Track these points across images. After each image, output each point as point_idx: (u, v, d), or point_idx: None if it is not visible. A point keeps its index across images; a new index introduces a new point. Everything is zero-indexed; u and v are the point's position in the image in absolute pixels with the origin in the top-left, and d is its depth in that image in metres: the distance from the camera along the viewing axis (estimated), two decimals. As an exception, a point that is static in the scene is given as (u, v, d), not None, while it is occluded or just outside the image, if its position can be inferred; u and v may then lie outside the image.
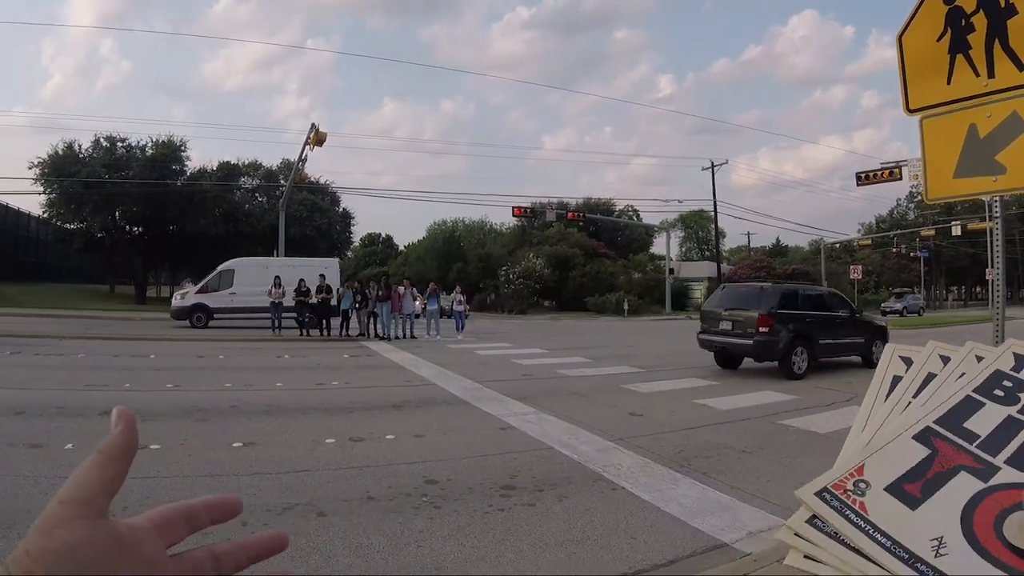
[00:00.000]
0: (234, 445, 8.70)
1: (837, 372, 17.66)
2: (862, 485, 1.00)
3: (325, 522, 6.02)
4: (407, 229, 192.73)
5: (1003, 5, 4.31)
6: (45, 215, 53.62)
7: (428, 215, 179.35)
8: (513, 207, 53.82)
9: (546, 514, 6.46)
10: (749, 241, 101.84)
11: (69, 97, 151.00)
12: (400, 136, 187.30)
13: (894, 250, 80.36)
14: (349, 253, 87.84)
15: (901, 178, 41.01)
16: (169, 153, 52.91)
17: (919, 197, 77.96)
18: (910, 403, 1.11)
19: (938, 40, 4.63)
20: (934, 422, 1.05)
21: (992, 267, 5.01)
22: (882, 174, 41.86)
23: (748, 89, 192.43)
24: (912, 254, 79.34)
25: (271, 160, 66.92)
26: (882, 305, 48.59)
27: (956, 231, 62.11)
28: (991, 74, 4.40)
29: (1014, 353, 1.13)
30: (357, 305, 27.28)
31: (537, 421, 10.53)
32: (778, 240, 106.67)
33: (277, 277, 29.90)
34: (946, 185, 4.70)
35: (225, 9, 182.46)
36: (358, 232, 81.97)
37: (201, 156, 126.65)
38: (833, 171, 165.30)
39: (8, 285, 41.90)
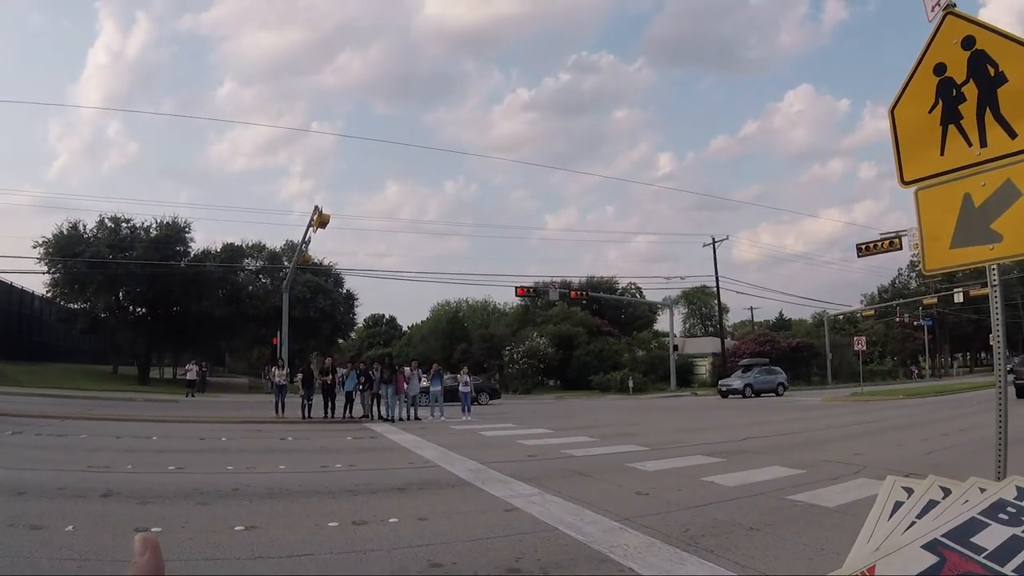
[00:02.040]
0: (236, 528, 8.60)
1: (842, 444, 17.52)
2: None
3: (328, 607, 5.93)
4: (411, 310, 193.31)
5: (993, 74, 4.38)
6: (49, 294, 53.97)
7: (432, 296, 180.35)
8: (516, 287, 54.12)
9: None
10: (752, 316, 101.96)
11: (75, 177, 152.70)
12: (403, 217, 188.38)
13: (897, 319, 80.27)
14: (353, 334, 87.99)
15: (901, 248, 41.39)
16: (173, 234, 53.36)
17: (920, 266, 78.17)
18: (914, 523, 1.13)
19: (930, 112, 4.70)
20: (942, 535, 1.07)
21: (993, 333, 5.00)
22: (882, 244, 42.16)
23: (747, 165, 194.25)
24: (916, 323, 79.27)
25: (275, 242, 67.63)
26: (719, 383, 48.06)
27: (959, 298, 62.38)
28: (983, 143, 4.46)
29: (1017, 486, 1.15)
30: (361, 387, 27.19)
31: (542, 502, 10.41)
32: (781, 314, 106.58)
33: (281, 359, 29.89)
34: (943, 255, 4.73)
35: (230, 92, 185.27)
36: (362, 313, 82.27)
37: (205, 237, 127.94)
38: (834, 243, 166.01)
39: (11, 364, 41.84)
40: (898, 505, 1.19)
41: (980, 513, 1.10)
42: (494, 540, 8.29)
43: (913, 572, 1.01)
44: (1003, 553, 1.00)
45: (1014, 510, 1.08)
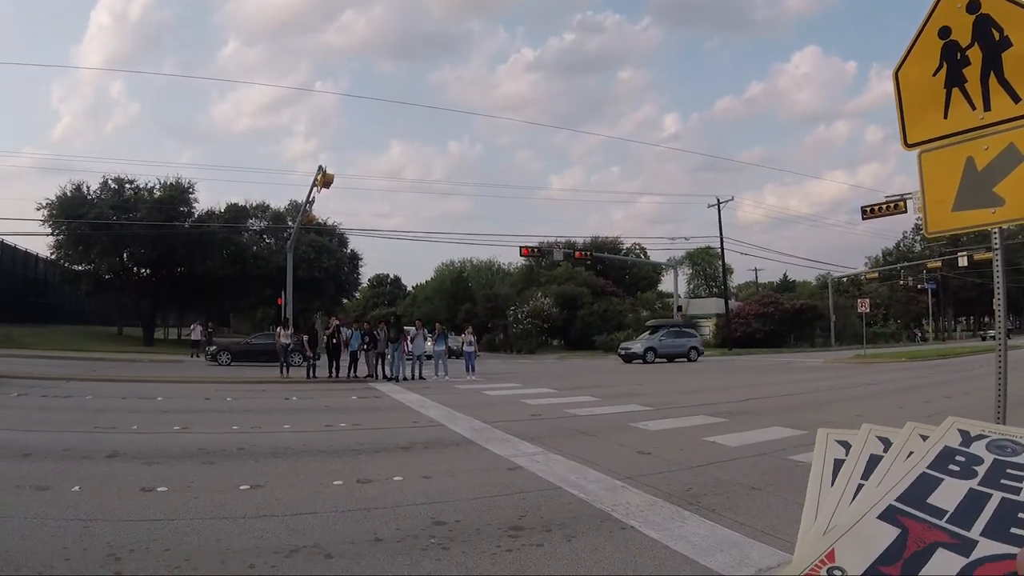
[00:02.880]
0: (241, 487, 8.65)
1: (844, 405, 17.57)
2: (836, 572, 0.90)
3: (332, 564, 5.97)
4: (415, 270, 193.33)
5: (998, 38, 4.33)
6: (53, 256, 53.91)
7: (436, 256, 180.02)
8: (520, 247, 53.94)
9: (554, 554, 6.39)
10: (757, 277, 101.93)
11: (78, 139, 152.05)
12: (408, 177, 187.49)
13: (901, 283, 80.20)
14: (357, 294, 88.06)
15: (906, 211, 41.05)
16: (177, 195, 53.18)
17: (923, 229, 77.72)
18: (860, 485, 1.03)
19: (934, 75, 4.65)
20: (896, 500, 0.97)
21: (995, 296, 5.00)
22: (887, 207, 41.89)
23: (752, 126, 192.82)
24: (920, 286, 79.18)
25: (279, 202, 67.61)
26: (620, 346, 47.71)
27: (963, 262, 62.17)
28: (987, 107, 4.42)
29: (959, 430, 1.07)
30: (365, 347, 27.25)
31: (545, 461, 10.45)
32: (785, 275, 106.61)
33: (286, 319, 29.93)
34: (946, 218, 4.71)
35: (234, 52, 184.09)
36: (366, 273, 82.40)
37: (209, 198, 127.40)
38: (839, 205, 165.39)
39: (16, 326, 41.97)
40: (838, 465, 1.10)
41: (929, 467, 1.02)
42: (497, 498, 8.33)
43: (876, 552, 0.90)
44: (965, 513, 0.92)
45: (963, 459, 1.01)
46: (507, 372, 32.55)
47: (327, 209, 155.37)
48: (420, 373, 27.63)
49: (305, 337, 28.34)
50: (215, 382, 24.44)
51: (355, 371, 27.54)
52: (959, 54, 4.50)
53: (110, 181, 52.73)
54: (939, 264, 68.38)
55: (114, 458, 10.40)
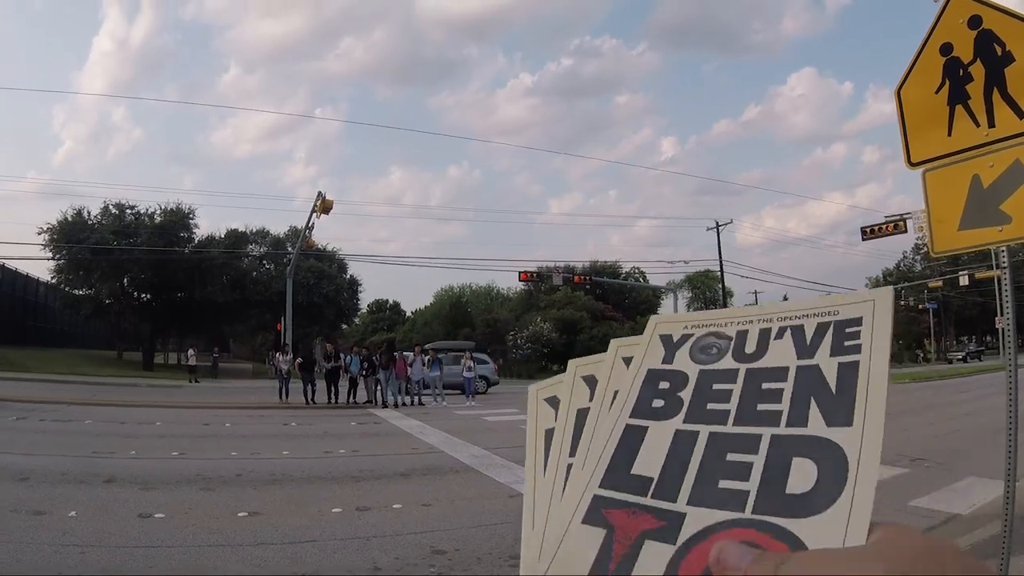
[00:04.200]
0: (239, 514, 8.61)
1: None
2: None
3: (331, 593, 5.92)
4: (414, 295, 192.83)
5: (1000, 53, 4.33)
6: (53, 281, 53.92)
7: (435, 281, 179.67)
8: (519, 272, 53.92)
9: None
10: (756, 300, 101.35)
11: (80, 164, 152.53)
12: (407, 203, 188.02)
13: (902, 303, 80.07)
14: (357, 320, 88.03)
15: (906, 231, 41.06)
16: (177, 220, 53.25)
17: (925, 249, 77.91)
18: (569, 466, 0.85)
19: (937, 92, 4.65)
20: (599, 487, 0.80)
21: (1001, 315, 4.98)
22: (887, 227, 41.88)
23: (750, 148, 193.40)
24: (921, 306, 79.08)
25: (279, 227, 67.53)
26: None
27: (964, 281, 62.05)
28: (991, 123, 4.41)
29: (660, 336, 0.90)
30: (364, 372, 27.19)
31: (546, 488, 10.39)
32: (785, 297, 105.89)
33: (286, 344, 29.92)
34: (951, 237, 4.69)
35: (234, 79, 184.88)
36: (365, 299, 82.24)
37: (209, 224, 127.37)
38: (838, 226, 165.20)
39: (15, 350, 41.91)
40: (549, 436, 0.91)
41: (633, 414, 0.84)
42: (497, 526, 8.29)
43: (585, 571, 0.74)
44: (672, 475, 0.76)
45: (667, 384, 0.84)
46: (507, 398, 32.45)
47: (327, 235, 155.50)
48: (419, 399, 27.55)
49: (299, 360, 28.26)
50: (214, 407, 24.36)
51: (355, 397, 27.45)
52: (961, 70, 4.49)
53: (111, 206, 52.83)
54: (940, 284, 68.35)
55: (112, 483, 10.35)
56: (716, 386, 0.80)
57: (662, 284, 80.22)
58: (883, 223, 42.51)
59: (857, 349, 0.76)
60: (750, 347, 0.82)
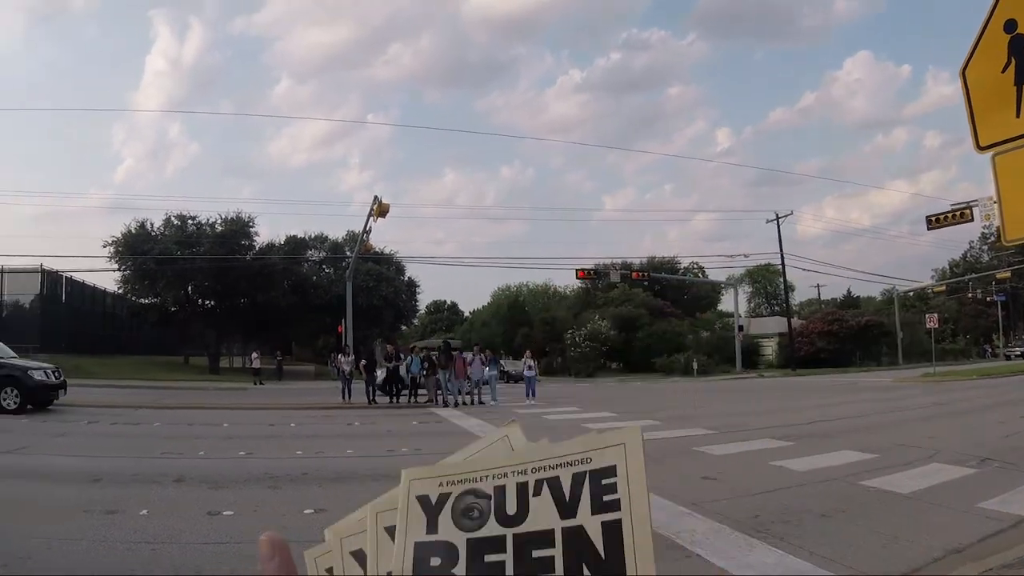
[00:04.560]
0: (306, 511, 8.70)
1: (915, 427, 17.20)
2: None
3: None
4: (472, 295, 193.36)
5: (1066, 28, 4.19)
6: (120, 291, 55.40)
7: (492, 281, 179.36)
8: (576, 270, 53.87)
9: None
10: (819, 293, 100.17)
11: (140, 179, 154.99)
12: (461, 203, 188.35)
13: (970, 295, 78.19)
14: (415, 321, 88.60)
15: (972, 219, 39.77)
16: (238, 229, 54.11)
17: (992, 238, 75.79)
18: None
19: (1003, 71, 4.47)
20: None
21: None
22: (952, 216, 40.68)
23: (808, 137, 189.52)
24: (989, 298, 77.11)
25: (336, 232, 67.99)
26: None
27: (1034, 270, 60.41)
28: (1061, 102, 4.26)
29: (417, 499, 0.82)
30: (425, 372, 27.33)
31: (608, 484, 10.33)
32: (849, 291, 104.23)
33: (347, 346, 30.16)
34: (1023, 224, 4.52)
35: (286, 90, 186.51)
36: (423, 300, 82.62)
37: (269, 231, 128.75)
38: (901, 216, 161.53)
39: (86, 358, 42.72)
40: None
41: None
42: (561, 522, 8.26)
43: None
44: None
45: (438, 560, 0.77)
46: (566, 396, 32.39)
47: (384, 238, 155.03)
48: (480, 398, 27.62)
49: (363, 362, 28.55)
50: (280, 408, 24.68)
51: (415, 397, 27.61)
52: (1027, 48, 4.34)
53: (173, 218, 54.01)
54: (1008, 275, 66.63)
55: (181, 483, 10.53)
56: (488, 558, 0.76)
57: (721, 279, 79.47)
58: (948, 211, 41.35)
59: (616, 505, 0.76)
60: (511, 506, 0.79)
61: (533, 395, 28.86)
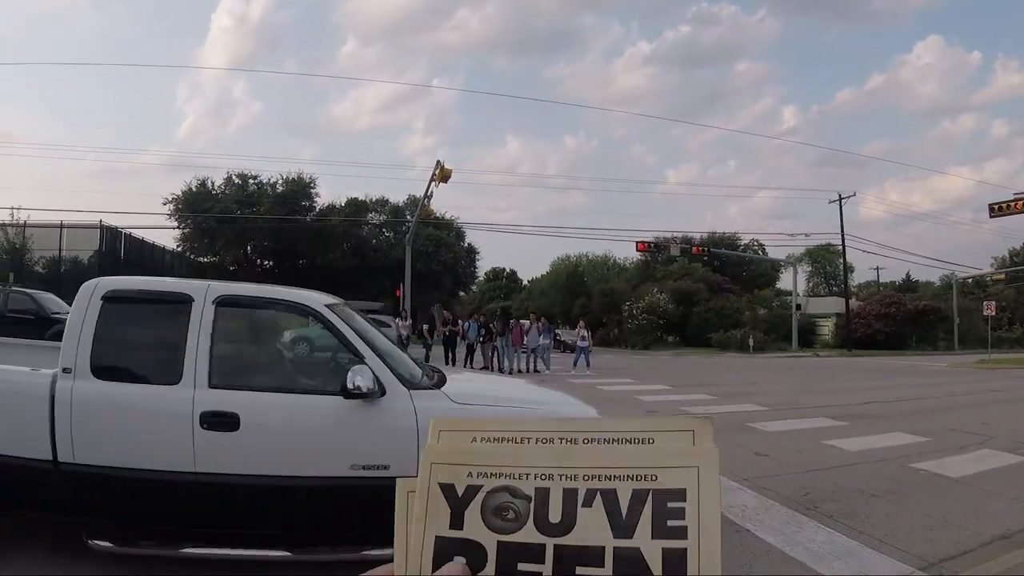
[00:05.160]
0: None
1: (968, 412, 17.04)
2: None
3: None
4: (531, 264, 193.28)
5: None
6: (179, 249, 56.20)
7: (552, 250, 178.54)
8: (636, 242, 53.72)
9: None
10: (878, 276, 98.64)
11: (202, 137, 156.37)
12: (523, 172, 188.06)
13: (1029, 287, 76.48)
14: (474, 287, 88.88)
15: (1035, 208, 39.14)
16: (299, 189, 54.57)
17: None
18: None
19: None
20: None
21: None
22: (1016, 204, 39.93)
23: (874, 119, 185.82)
24: (1049, 290, 75.37)
25: (398, 196, 68.01)
26: None
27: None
28: None
29: (440, 487, 0.75)
30: (482, 339, 27.55)
31: (661, 458, 10.44)
32: (908, 275, 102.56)
33: (404, 310, 30.52)
34: None
35: (353, 51, 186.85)
36: (483, 267, 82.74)
37: (330, 193, 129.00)
38: (964, 203, 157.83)
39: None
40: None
41: None
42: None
43: None
44: None
45: (464, 561, 0.72)
46: (621, 368, 32.46)
47: (445, 203, 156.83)
48: (535, 366, 27.78)
49: (425, 326, 28.91)
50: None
51: (471, 363, 27.85)
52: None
53: (234, 176, 54.61)
54: (1071, 265, 65.20)
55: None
56: (523, 567, 0.70)
57: (781, 257, 78.55)
58: (1012, 200, 40.52)
59: (683, 533, 0.69)
60: (554, 514, 0.71)
61: (588, 365, 28.91)
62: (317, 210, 56.31)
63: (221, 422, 5.24)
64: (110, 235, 49.37)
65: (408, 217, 54.13)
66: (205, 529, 5.45)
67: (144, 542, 5.38)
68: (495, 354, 27.36)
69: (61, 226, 47.29)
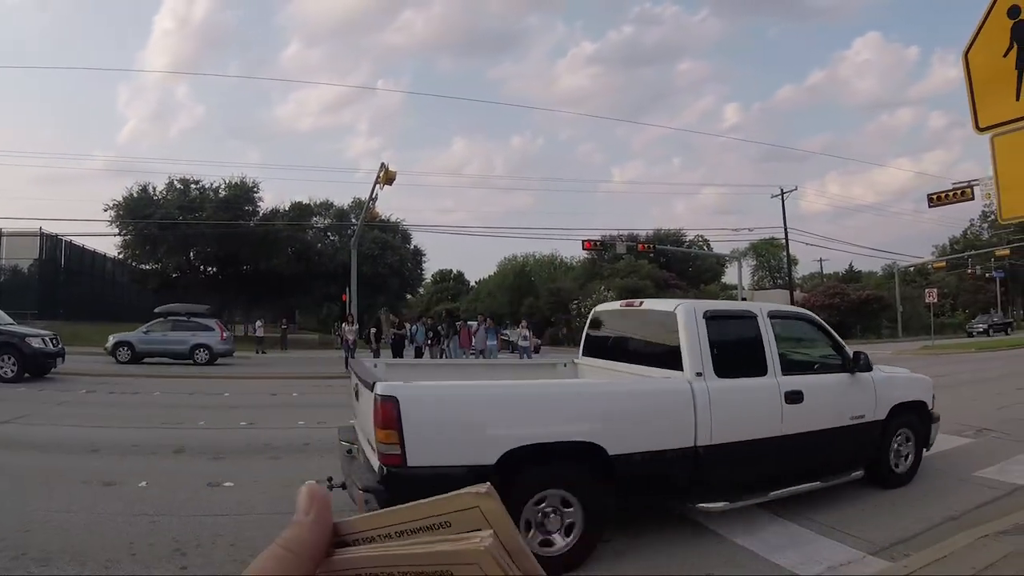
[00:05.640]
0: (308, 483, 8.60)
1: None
2: None
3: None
4: (478, 265, 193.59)
5: (1067, 18, 4.22)
6: (121, 256, 54.93)
7: (499, 251, 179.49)
8: (583, 240, 53.68)
9: (625, 552, 6.40)
10: (822, 268, 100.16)
11: (144, 141, 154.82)
12: (470, 173, 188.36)
13: (969, 272, 78.15)
14: (421, 290, 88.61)
15: (973, 198, 39.88)
16: (242, 194, 53.77)
17: (992, 216, 75.79)
18: None
19: (1004, 56, 4.59)
20: None
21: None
22: (953, 194, 40.75)
23: (814, 115, 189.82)
24: (988, 275, 77.13)
25: (342, 199, 67.56)
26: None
27: (1032, 249, 60.55)
28: (1059, 88, 4.30)
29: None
30: (430, 341, 27.29)
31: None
32: (851, 266, 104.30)
33: (351, 315, 30.12)
34: (1020, 203, 4.65)
35: (296, 53, 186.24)
36: (429, 269, 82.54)
37: (273, 197, 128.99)
38: (904, 194, 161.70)
39: (85, 324, 42.62)
40: None
41: None
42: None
43: None
44: None
45: None
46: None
47: (390, 206, 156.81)
48: (484, 368, 27.55)
49: (373, 330, 28.59)
50: (282, 378, 24.60)
51: (419, 366, 27.54)
52: (1029, 34, 4.34)
53: (176, 181, 53.54)
54: (1008, 252, 66.56)
55: (181, 453, 10.47)
56: None
57: (726, 252, 79.33)
58: (950, 190, 41.34)
59: None
60: None
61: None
62: (261, 215, 55.50)
63: (794, 397, 7.38)
64: (50, 243, 48.51)
65: (353, 220, 53.75)
66: (784, 474, 7.45)
67: (746, 495, 6.98)
68: (443, 357, 27.08)
69: (0, 234, 46.23)
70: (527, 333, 30.47)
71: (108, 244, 55.24)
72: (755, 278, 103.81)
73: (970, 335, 52.61)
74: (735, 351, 7.56)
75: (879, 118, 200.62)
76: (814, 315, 8.87)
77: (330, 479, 7.09)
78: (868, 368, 8.63)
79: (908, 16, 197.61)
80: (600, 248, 58.51)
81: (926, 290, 49.17)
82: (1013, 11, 4.43)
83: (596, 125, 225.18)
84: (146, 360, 29.18)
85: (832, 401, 8.06)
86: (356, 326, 29.46)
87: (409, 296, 77.87)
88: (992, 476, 9.14)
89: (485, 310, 52.86)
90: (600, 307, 10.39)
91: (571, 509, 6.13)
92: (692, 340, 7.00)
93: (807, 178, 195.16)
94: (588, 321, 10.23)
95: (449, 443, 5.87)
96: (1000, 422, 13.42)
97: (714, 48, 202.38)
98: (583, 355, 9.98)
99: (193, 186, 53.70)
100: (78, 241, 52.53)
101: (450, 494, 0.73)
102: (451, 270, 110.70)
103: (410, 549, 0.72)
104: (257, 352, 41.93)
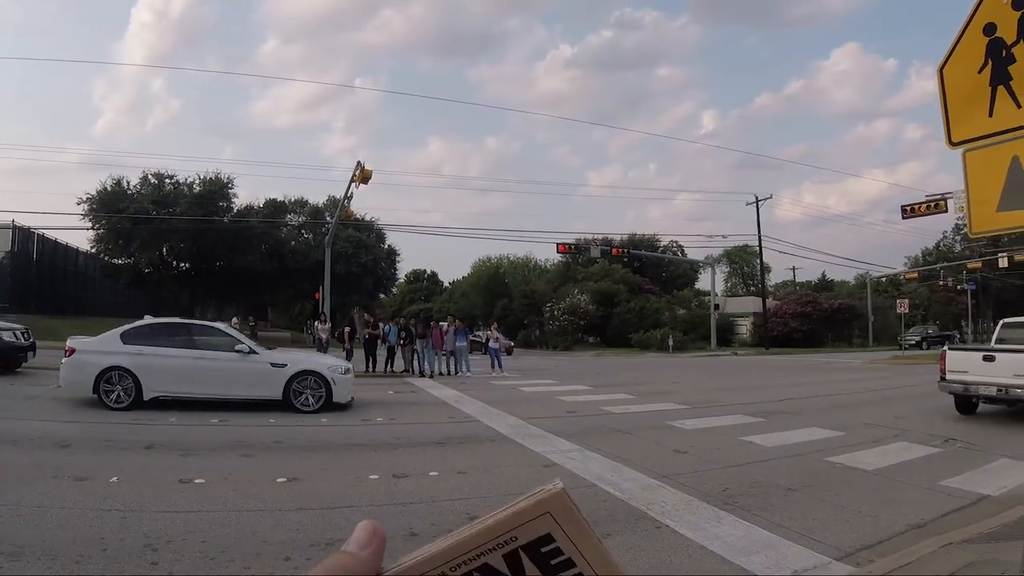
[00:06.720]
0: (278, 480, 8.69)
1: (882, 407, 17.39)
2: None
3: (368, 559, 5.95)
4: (453, 266, 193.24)
5: (1043, 36, 4.32)
6: (93, 250, 54.35)
7: (473, 252, 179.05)
8: (558, 244, 53.85)
9: None
10: (795, 276, 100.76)
11: (119, 135, 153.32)
12: (446, 173, 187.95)
13: (941, 283, 78.88)
14: (394, 289, 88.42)
15: (946, 210, 40.38)
16: (216, 190, 53.44)
17: (965, 229, 76.22)
18: None
19: (979, 72, 4.61)
20: None
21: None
22: (927, 207, 41.16)
23: (791, 124, 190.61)
24: (959, 287, 77.89)
25: (317, 197, 67.29)
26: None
27: (1003, 263, 61.15)
28: (1033, 105, 4.39)
29: None
30: (402, 341, 27.30)
31: (581, 458, 10.42)
32: (824, 275, 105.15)
33: (324, 313, 30.09)
34: (990, 219, 4.68)
35: (274, 49, 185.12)
36: (403, 269, 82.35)
37: (248, 193, 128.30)
38: (878, 204, 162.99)
39: (56, 319, 42.26)
40: None
41: None
42: (533, 495, 8.31)
43: None
44: None
45: None
46: (543, 368, 32.53)
47: (366, 205, 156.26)
48: (456, 368, 27.63)
49: (346, 329, 28.66)
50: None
51: (392, 366, 27.60)
52: (1004, 51, 4.44)
53: (150, 176, 53.08)
54: (979, 265, 67.28)
55: (152, 449, 10.49)
56: None
57: (700, 258, 79.78)
58: (923, 202, 41.78)
59: (570, 564, 0.70)
60: None
61: (500, 367, 28.86)
62: (235, 211, 55.18)
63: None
64: (23, 236, 47.54)
65: (328, 218, 53.57)
66: None
67: None
68: (415, 357, 27.11)
69: (-30, 226, 45.71)
70: (498, 335, 30.56)
71: (81, 238, 54.68)
72: (728, 284, 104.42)
73: (900, 348, 51.46)
74: None
75: (856, 128, 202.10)
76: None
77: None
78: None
79: (887, 28, 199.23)
80: (575, 251, 58.71)
81: (898, 301, 49.57)
82: (989, 28, 4.47)
83: (573, 129, 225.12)
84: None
85: None
86: (329, 325, 29.44)
87: (382, 295, 77.68)
88: (958, 486, 9.19)
89: (458, 311, 52.93)
90: None
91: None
92: None
93: (783, 186, 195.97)
94: None
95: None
96: (967, 432, 13.62)
97: (693, 54, 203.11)
98: None
99: (167, 181, 53.33)
100: (51, 235, 52.00)
101: (514, 504, 0.70)
102: (425, 270, 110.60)
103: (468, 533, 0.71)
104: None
